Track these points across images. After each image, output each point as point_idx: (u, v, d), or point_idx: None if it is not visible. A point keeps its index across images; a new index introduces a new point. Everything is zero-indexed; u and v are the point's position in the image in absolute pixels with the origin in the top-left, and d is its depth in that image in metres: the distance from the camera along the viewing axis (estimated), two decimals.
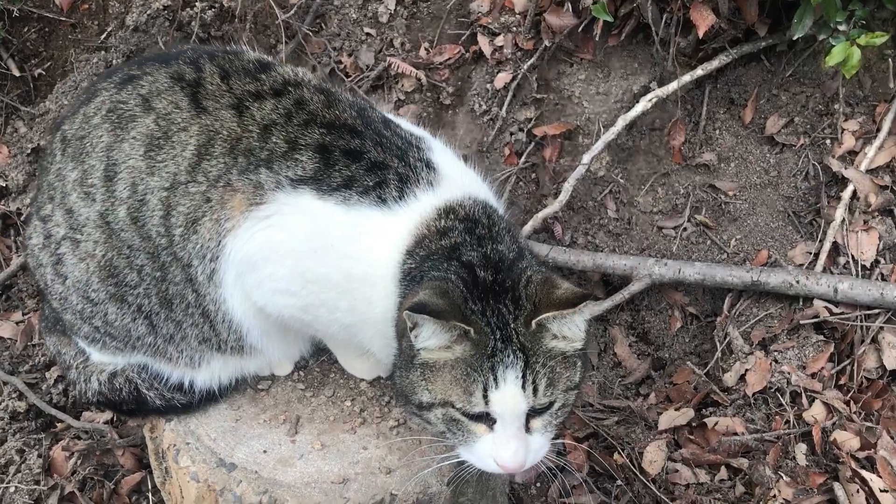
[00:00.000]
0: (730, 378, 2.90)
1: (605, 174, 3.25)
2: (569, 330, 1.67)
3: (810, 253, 3.02)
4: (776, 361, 2.86)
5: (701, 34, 2.96)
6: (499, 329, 1.64)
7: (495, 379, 1.62)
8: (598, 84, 3.30)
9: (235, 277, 1.79)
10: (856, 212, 2.99)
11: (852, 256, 2.93)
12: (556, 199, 3.11)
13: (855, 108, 3.11)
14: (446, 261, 1.71)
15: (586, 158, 3.11)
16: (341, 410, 1.96)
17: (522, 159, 3.25)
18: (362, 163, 1.76)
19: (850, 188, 2.99)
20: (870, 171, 3.00)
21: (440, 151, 1.91)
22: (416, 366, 1.68)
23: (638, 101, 3.13)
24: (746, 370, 2.87)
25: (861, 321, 2.81)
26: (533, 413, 1.68)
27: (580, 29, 3.15)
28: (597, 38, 3.15)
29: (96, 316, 1.90)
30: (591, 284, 3.22)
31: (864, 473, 2.50)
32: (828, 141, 3.11)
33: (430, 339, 1.63)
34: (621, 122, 3.12)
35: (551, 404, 1.70)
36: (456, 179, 1.84)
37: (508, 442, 1.65)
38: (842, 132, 3.07)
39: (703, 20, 2.96)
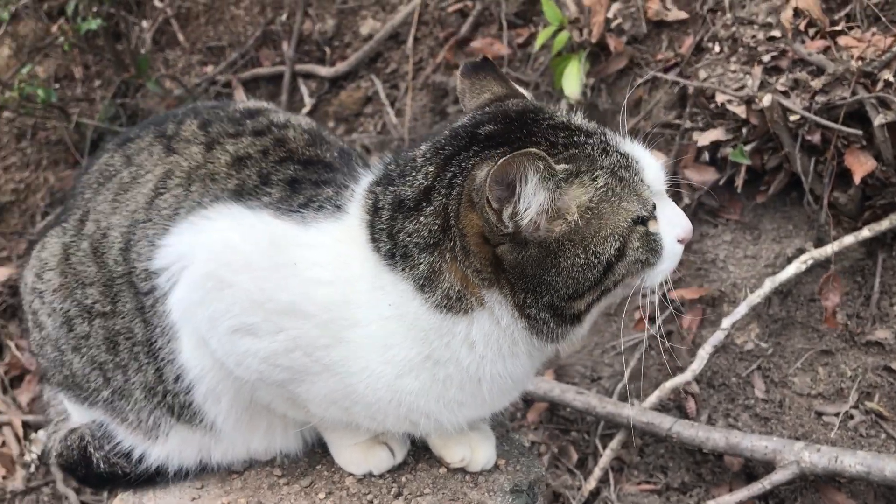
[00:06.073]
0: None
1: (752, 348, 2.83)
2: None
3: None
4: None
5: (857, 179, 2.58)
6: (593, 136, 1.42)
7: (634, 157, 1.40)
8: (746, 247, 2.96)
9: (185, 307, 1.52)
10: None
11: None
12: (689, 368, 2.71)
13: None
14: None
15: (726, 323, 2.77)
16: (311, 503, 1.60)
17: (656, 326, 2.86)
18: (327, 187, 1.55)
19: None
20: None
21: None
22: (551, 248, 1.35)
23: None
24: None
25: None
26: None
27: (722, 183, 2.87)
28: (738, 190, 2.83)
29: (65, 365, 1.73)
30: (729, 475, 2.64)
31: None
32: None
33: (536, 196, 1.30)
34: (769, 285, 2.77)
35: None
36: None
37: (675, 206, 1.45)
38: None
39: (860, 166, 2.60)
